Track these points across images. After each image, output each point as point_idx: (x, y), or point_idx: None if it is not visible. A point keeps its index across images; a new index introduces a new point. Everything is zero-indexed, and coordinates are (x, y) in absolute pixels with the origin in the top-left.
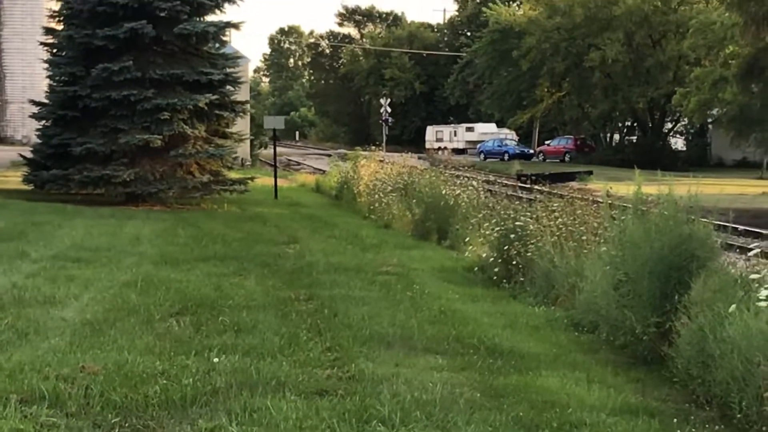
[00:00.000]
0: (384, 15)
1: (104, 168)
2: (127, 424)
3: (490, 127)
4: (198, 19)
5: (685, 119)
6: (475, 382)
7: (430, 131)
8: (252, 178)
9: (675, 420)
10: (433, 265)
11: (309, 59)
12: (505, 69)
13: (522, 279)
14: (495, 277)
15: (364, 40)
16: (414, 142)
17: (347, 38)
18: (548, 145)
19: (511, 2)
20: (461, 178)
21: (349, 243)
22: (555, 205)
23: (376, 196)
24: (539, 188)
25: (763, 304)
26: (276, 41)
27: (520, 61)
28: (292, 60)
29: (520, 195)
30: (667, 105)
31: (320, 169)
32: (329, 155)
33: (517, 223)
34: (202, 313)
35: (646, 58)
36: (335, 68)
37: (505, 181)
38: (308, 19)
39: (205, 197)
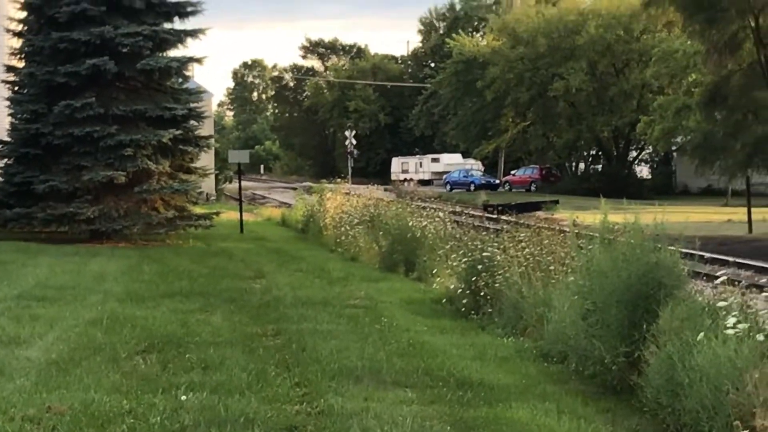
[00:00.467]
0: (347, 47)
1: (68, 205)
2: None
3: (456, 158)
4: (161, 54)
5: (650, 147)
6: (445, 415)
7: (396, 163)
8: (217, 213)
9: None
10: (400, 298)
11: (273, 92)
12: (469, 99)
13: (490, 310)
14: (463, 309)
15: (328, 72)
16: (380, 174)
17: (311, 71)
18: (514, 174)
19: (474, 33)
20: (427, 209)
21: (316, 276)
22: (522, 235)
23: (343, 228)
24: (506, 218)
25: (730, 331)
26: (239, 75)
27: (484, 92)
28: (255, 93)
29: (487, 225)
30: (632, 133)
31: (286, 203)
32: (295, 188)
33: (484, 254)
34: (168, 351)
35: (610, 87)
36: (299, 101)
37: (472, 212)
38: (271, 52)
39: (171, 233)
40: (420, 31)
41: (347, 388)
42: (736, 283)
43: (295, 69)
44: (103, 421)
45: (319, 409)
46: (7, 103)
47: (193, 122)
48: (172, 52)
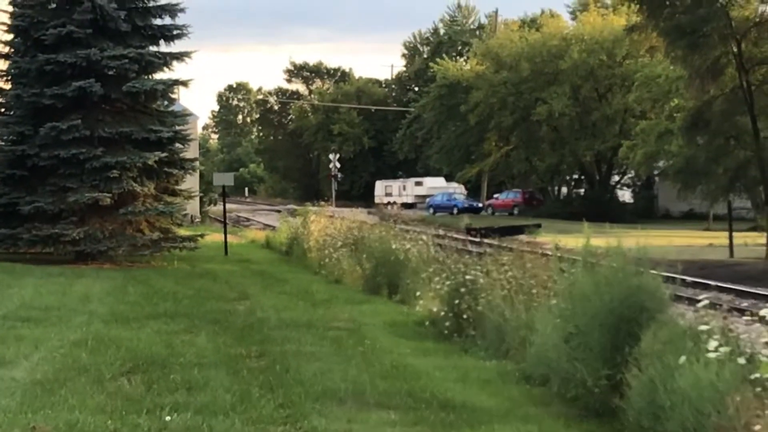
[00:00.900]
0: (332, 71)
1: (53, 227)
2: None
3: (439, 182)
4: (146, 77)
5: (632, 172)
6: None
7: (380, 186)
8: (202, 235)
9: None
10: (384, 320)
11: (257, 115)
12: (453, 123)
13: (473, 333)
14: (446, 331)
15: (313, 96)
16: (363, 197)
17: (295, 94)
18: (497, 198)
19: (458, 57)
20: (411, 232)
21: (300, 299)
22: (504, 258)
23: (327, 251)
24: (489, 242)
25: (712, 355)
26: (224, 98)
27: (467, 116)
28: (240, 116)
29: (470, 249)
30: (614, 158)
31: (270, 225)
32: (279, 211)
33: (467, 276)
34: (153, 372)
35: (593, 112)
36: (284, 124)
37: (455, 235)
38: (256, 75)
39: (155, 255)
40: (404, 55)
41: (331, 409)
42: (718, 306)
43: (280, 92)
44: None
45: (303, 430)
46: None
47: (178, 145)
48: (158, 75)
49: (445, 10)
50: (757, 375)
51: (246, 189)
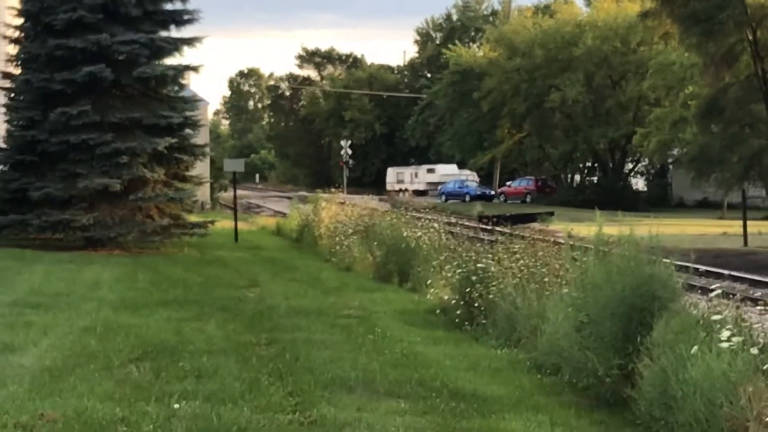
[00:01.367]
0: (344, 57)
1: (63, 213)
2: None
3: (451, 169)
4: (157, 62)
5: (646, 159)
6: (438, 425)
7: (391, 173)
8: (212, 222)
9: None
10: (394, 308)
11: (269, 101)
12: (465, 110)
13: (484, 321)
14: (457, 320)
15: (324, 82)
16: (375, 184)
17: (307, 80)
18: (509, 186)
19: (471, 43)
20: (422, 219)
21: (311, 286)
22: (516, 246)
23: (337, 238)
24: (500, 230)
25: (724, 345)
26: (235, 84)
27: (480, 102)
28: (251, 102)
29: (482, 237)
30: (628, 145)
31: (281, 212)
32: (290, 198)
33: (478, 265)
34: (162, 359)
35: (606, 99)
36: (295, 110)
37: (467, 223)
38: (268, 61)
39: (165, 241)
40: (416, 41)
41: (340, 398)
42: (731, 296)
43: (291, 78)
44: (96, 428)
45: (312, 418)
46: (3, 110)
47: (188, 130)
48: (169, 60)
49: None
50: None
51: (257, 175)
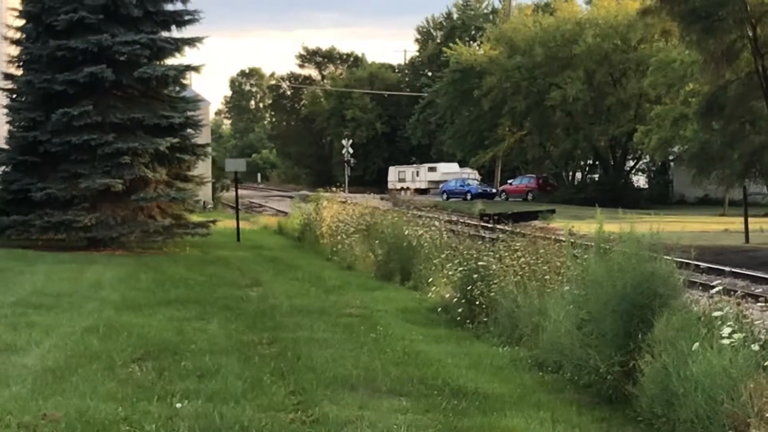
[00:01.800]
0: (344, 56)
1: (65, 213)
2: None
3: (453, 167)
4: (158, 62)
5: (647, 157)
6: (440, 423)
7: (393, 171)
8: (214, 221)
9: None
10: (396, 306)
11: (270, 101)
12: (466, 108)
13: (485, 319)
14: (458, 318)
15: (325, 81)
16: (376, 183)
17: (308, 80)
18: (510, 184)
19: (471, 42)
20: (423, 218)
21: (312, 285)
22: (517, 244)
23: (339, 237)
24: (501, 228)
25: (726, 341)
26: (237, 83)
27: (481, 101)
28: (253, 102)
29: (483, 235)
30: (629, 143)
31: (282, 211)
32: (291, 197)
33: (479, 263)
34: (164, 358)
35: (607, 97)
36: (296, 110)
37: (468, 221)
38: (269, 61)
39: (167, 241)
40: (417, 40)
41: (342, 396)
42: (732, 292)
43: (293, 77)
44: (99, 428)
45: (314, 417)
46: (5, 111)
47: (190, 130)
48: (170, 61)
49: None
50: None
51: (259, 175)
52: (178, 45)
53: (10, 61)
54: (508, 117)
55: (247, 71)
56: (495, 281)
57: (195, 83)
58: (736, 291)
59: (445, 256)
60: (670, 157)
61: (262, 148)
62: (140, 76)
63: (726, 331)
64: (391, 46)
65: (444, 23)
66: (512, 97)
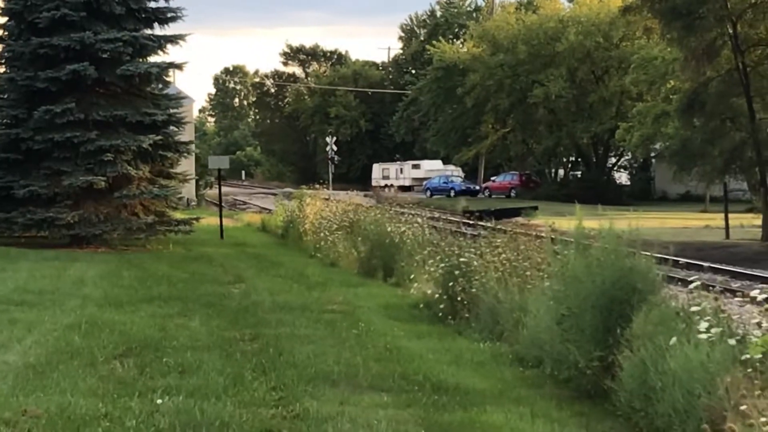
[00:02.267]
0: (328, 54)
1: (48, 210)
2: None
3: (436, 164)
4: (141, 60)
5: (629, 154)
6: (420, 418)
7: (377, 169)
8: (197, 219)
9: None
10: (378, 303)
11: (254, 98)
12: (449, 106)
13: (467, 315)
14: (440, 314)
15: (309, 78)
16: (360, 180)
17: (292, 77)
18: (494, 181)
19: (454, 40)
20: (406, 215)
21: (295, 282)
22: (498, 240)
23: (322, 234)
24: (483, 224)
25: (703, 336)
26: (221, 81)
27: (464, 98)
28: (237, 99)
29: (465, 231)
30: (611, 140)
31: (266, 209)
32: (275, 194)
33: (461, 259)
34: (146, 355)
35: (589, 94)
36: (280, 107)
37: (450, 218)
38: (253, 58)
39: (150, 238)
40: (401, 37)
41: (323, 392)
42: (711, 288)
43: (277, 75)
44: (79, 424)
45: (295, 412)
46: None
47: (173, 128)
48: (153, 58)
49: None
50: (748, 355)
51: (243, 172)
52: (161, 42)
53: None
54: (491, 114)
55: (231, 69)
56: (476, 277)
57: (179, 81)
58: (715, 286)
59: (427, 253)
60: (652, 154)
61: (247, 145)
62: (123, 74)
63: (703, 325)
64: (375, 43)
65: (428, 21)
66: (495, 95)
